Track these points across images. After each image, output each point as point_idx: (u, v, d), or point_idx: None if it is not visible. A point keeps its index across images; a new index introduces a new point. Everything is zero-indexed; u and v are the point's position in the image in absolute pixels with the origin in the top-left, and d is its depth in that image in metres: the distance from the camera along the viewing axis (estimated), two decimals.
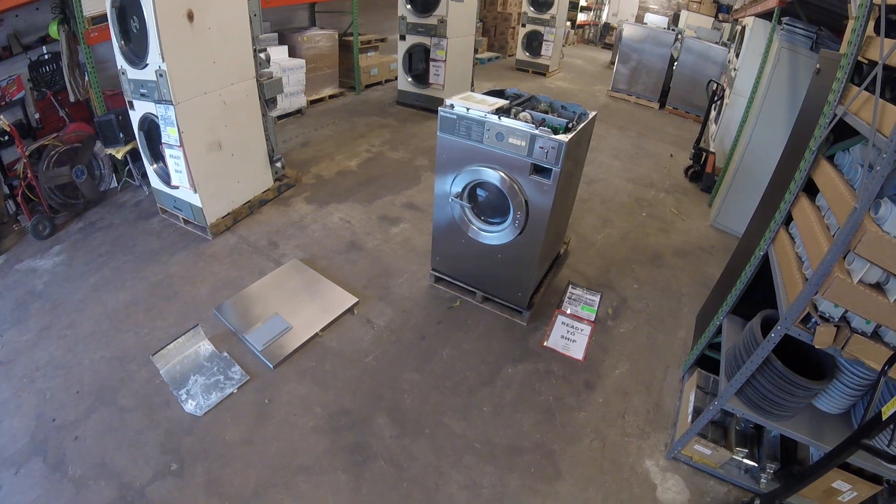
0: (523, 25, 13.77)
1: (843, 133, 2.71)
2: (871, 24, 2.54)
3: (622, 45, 12.41)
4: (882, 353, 2.37)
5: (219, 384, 3.66)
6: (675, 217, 6.75)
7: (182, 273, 4.75)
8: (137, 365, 3.80)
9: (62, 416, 3.41)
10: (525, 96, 4.38)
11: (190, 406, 3.49)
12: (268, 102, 5.62)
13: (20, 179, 5.09)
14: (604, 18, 22.91)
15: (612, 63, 14.47)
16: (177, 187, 4.99)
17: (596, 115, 4.23)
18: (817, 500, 3.12)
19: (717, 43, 11.26)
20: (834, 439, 2.76)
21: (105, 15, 4.57)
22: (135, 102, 4.82)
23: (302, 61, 8.54)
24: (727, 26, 12.49)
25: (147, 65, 4.37)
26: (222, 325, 4.18)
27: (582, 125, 3.86)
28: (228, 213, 5.43)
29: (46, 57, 5.64)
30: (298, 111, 8.95)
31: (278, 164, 6.07)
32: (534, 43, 13.80)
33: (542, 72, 14.05)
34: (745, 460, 3.35)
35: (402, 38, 9.12)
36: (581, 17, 21.86)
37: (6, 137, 5.09)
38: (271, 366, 3.82)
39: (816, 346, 2.48)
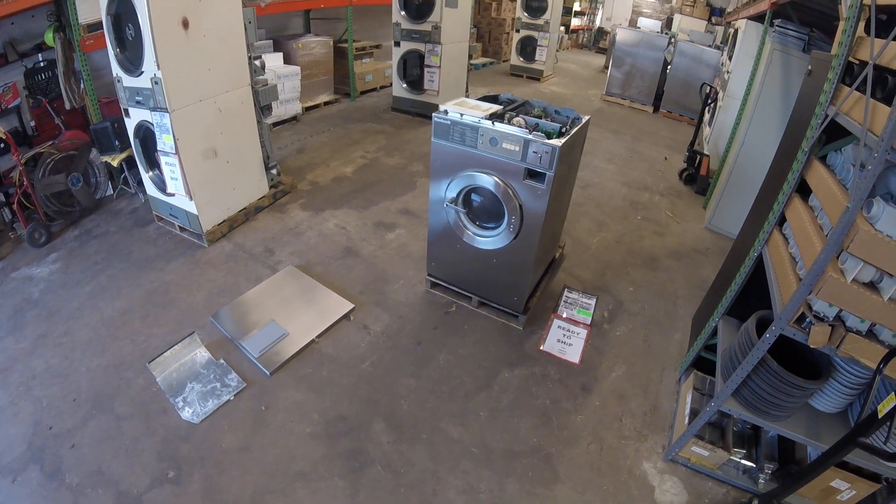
0: (517, 31, 13.82)
1: (834, 133, 2.72)
2: (862, 24, 2.57)
3: (616, 49, 12.47)
4: (877, 352, 2.39)
5: (215, 391, 3.66)
6: (669, 220, 6.77)
7: (178, 280, 4.75)
8: (134, 372, 3.79)
9: (59, 424, 3.40)
10: (519, 101, 4.40)
11: (187, 413, 3.49)
12: (263, 109, 5.63)
13: (16, 187, 5.08)
14: (597, 23, 23.04)
15: (606, 67, 14.53)
16: (172, 195, 5.00)
17: (589, 120, 4.25)
18: (815, 499, 3.13)
19: (710, 46, 11.31)
20: (831, 438, 2.77)
21: (101, 22, 4.58)
22: (130, 110, 4.83)
23: (297, 68, 8.55)
24: (720, 29, 12.54)
25: (142, 72, 4.38)
26: (219, 333, 4.18)
27: (575, 129, 3.88)
28: (224, 221, 5.43)
29: (42, 64, 5.64)
30: (294, 118, 8.96)
31: (274, 171, 6.08)
32: (528, 48, 13.86)
33: (536, 77, 14.10)
34: (743, 461, 3.36)
35: (397, 44, 9.15)
36: (575, 22, 21.97)
37: (2, 145, 5.10)
38: (268, 373, 3.82)
39: (811, 346, 2.50)
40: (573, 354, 4.28)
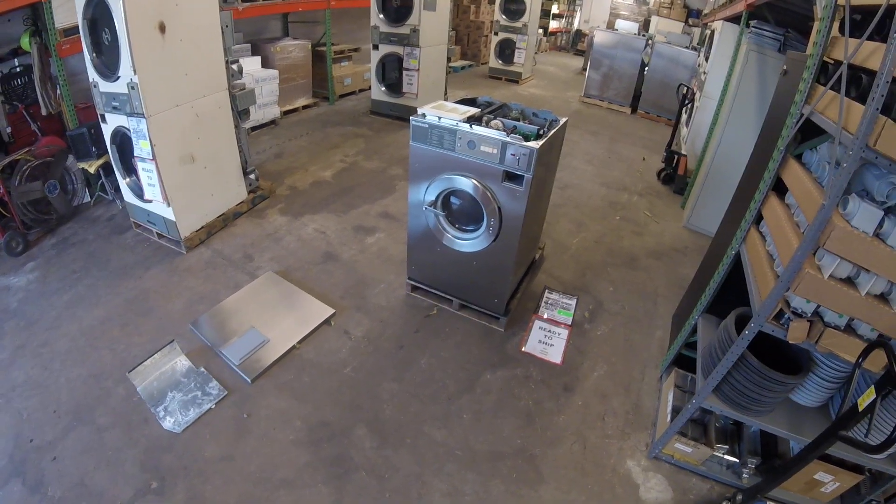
0: (496, 34, 13.87)
1: (809, 132, 2.76)
2: (836, 24, 2.61)
3: (594, 51, 12.56)
4: (856, 346, 2.42)
5: (196, 400, 3.62)
6: (648, 219, 6.83)
7: (157, 288, 4.70)
8: (114, 382, 3.74)
9: (40, 437, 3.34)
10: (497, 104, 4.41)
11: (168, 423, 3.45)
12: (240, 114, 5.59)
13: None
14: (575, 25, 23.18)
15: (584, 69, 14.61)
16: (150, 201, 4.94)
17: (567, 122, 4.27)
18: (800, 492, 3.17)
19: (687, 47, 11.43)
20: (813, 432, 2.81)
21: (77, 27, 4.51)
22: (107, 115, 4.77)
23: (275, 72, 8.50)
24: (697, 31, 12.67)
25: (119, 77, 4.32)
26: (198, 340, 4.13)
27: (553, 131, 3.90)
28: (202, 227, 5.38)
29: (18, 69, 5.53)
30: (272, 122, 8.90)
31: (252, 176, 6.04)
32: (506, 51, 13.91)
33: (514, 79, 14.16)
34: (727, 456, 3.40)
35: (376, 47, 9.14)
36: (553, 25, 22.06)
37: None
38: (249, 380, 3.79)
39: (790, 342, 2.53)
40: (555, 355, 4.29)
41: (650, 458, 3.53)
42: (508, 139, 3.56)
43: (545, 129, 3.91)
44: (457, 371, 4.06)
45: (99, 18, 4.35)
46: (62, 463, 3.19)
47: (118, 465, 3.19)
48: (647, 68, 11.92)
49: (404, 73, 9.10)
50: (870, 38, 2.15)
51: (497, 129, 3.67)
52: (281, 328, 4.25)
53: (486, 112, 4.14)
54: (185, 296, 4.62)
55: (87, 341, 4.11)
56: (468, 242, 4.16)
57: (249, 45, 8.52)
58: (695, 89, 8.56)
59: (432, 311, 4.64)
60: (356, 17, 11.11)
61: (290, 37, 9.89)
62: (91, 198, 6.04)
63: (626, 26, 14.90)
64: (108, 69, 4.43)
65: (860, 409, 2.33)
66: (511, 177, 3.70)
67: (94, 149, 5.49)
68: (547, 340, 4.43)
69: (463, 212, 4.17)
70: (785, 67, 3.49)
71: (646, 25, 17.79)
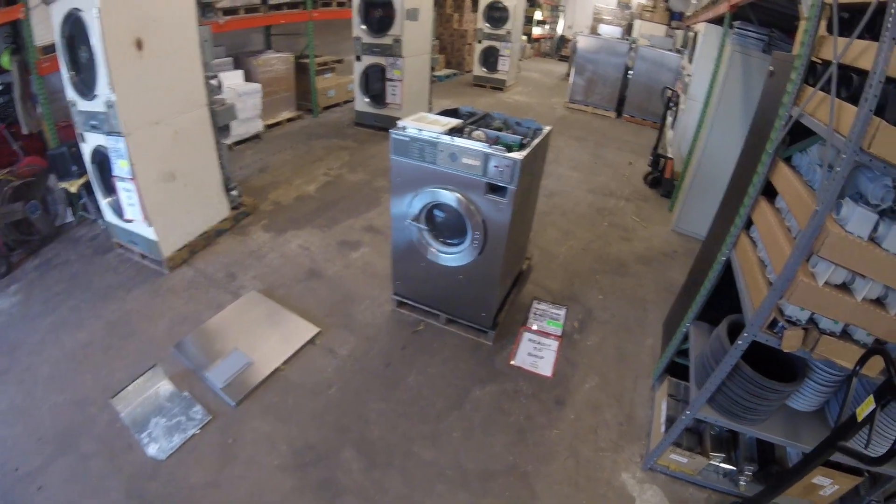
0: (479, 41, 13.90)
1: (799, 134, 2.72)
2: (824, 23, 2.56)
3: (577, 56, 12.59)
4: (853, 352, 2.38)
5: (181, 425, 3.54)
6: (636, 224, 6.80)
7: (139, 309, 4.61)
8: (98, 408, 3.65)
9: (25, 465, 3.26)
10: (479, 114, 4.37)
11: (153, 449, 3.37)
12: (221, 130, 5.51)
13: None
14: (559, 31, 23.23)
15: (569, 75, 14.63)
16: (131, 221, 4.85)
17: (551, 130, 4.23)
18: (798, 496, 3.14)
19: (670, 50, 11.47)
20: (810, 438, 2.78)
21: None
22: (85, 135, 4.69)
23: (258, 85, 8.43)
24: (680, 33, 12.71)
25: (96, 96, 4.25)
26: (182, 363, 4.05)
27: (537, 141, 3.86)
28: (185, 246, 5.29)
29: None
30: (256, 136, 8.81)
31: (234, 193, 5.96)
32: (490, 58, 13.94)
33: (499, 87, 14.18)
34: (723, 465, 3.36)
35: (358, 58, 9.09)
36: (537, 31, 22.15)
37: None
38: (233, 403, 3.71)
39: (785, 351, 2.48)
40: (545, 367, 4.24)
41: (645, 469, 3.48)
42: (491, 151, 3.51)
43: (529, 139, 3.87)
44: (445, 388, 3.99)
45: (76, 36, 4.29)
46: (48, 492, 3.11)
47: (104, 494, 3.11)
48: (630, 72, 11.96)
49: (388, 83, 9.06)
50: (860, 37, 2.10)
51: (480, 141, 3.62)
52: (265, 349, 4.17)
53: (469, 123, 4.10)
54: (168, 317, 4.53)
55: (70, 366, 4.02)
56: (453, 257, 4.11)
57: (231, 58, 8.46)
58: (679, 92, 8.57)
59: (419, 327, 4.58)
60: (339, 28, 11.04)
61: (272, 49, 9.81)
62: (74, 217, 5.95)
63: (610, 31, 14.90)
64: (86, 87, 4.35)
65: (859, 419, 2.28)
66: (495, 189, 3.65)
67: (74, 168, 5.39)
68: (536, 353, 4.37)
69: (447, 225, 4.11)
70: (771, 68, 3.45)
71: (629, 30, 17.88)
